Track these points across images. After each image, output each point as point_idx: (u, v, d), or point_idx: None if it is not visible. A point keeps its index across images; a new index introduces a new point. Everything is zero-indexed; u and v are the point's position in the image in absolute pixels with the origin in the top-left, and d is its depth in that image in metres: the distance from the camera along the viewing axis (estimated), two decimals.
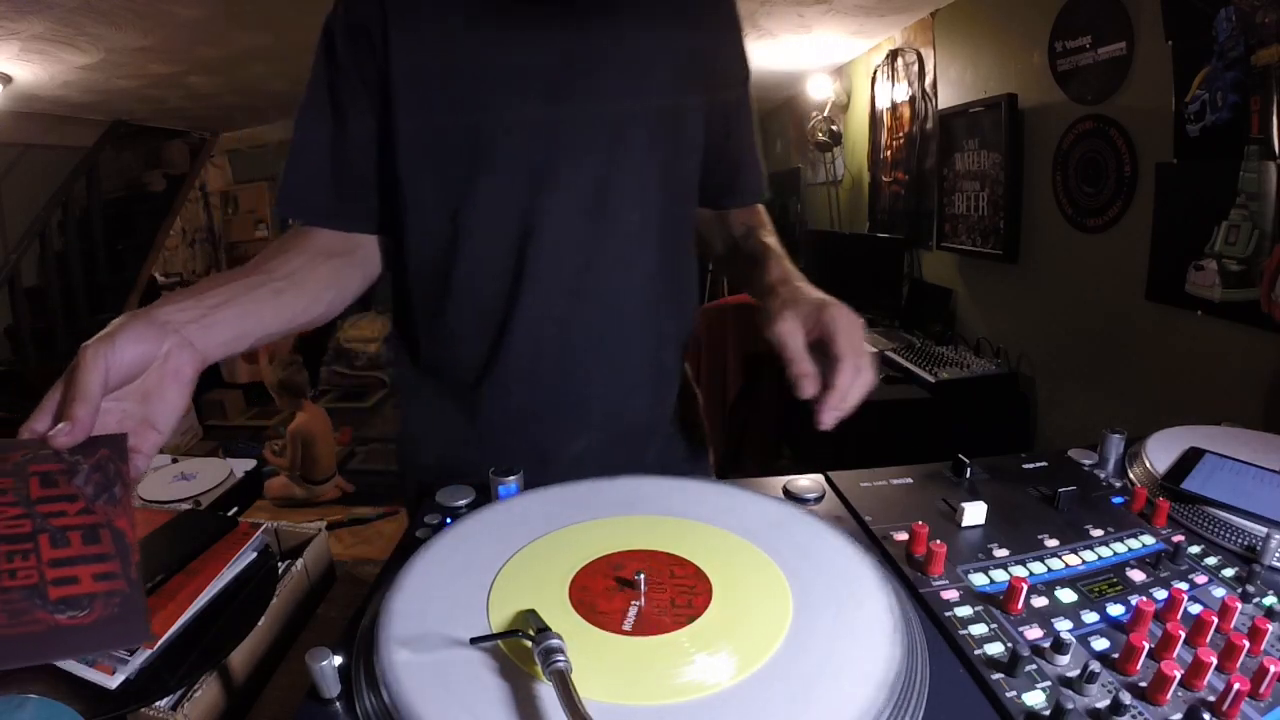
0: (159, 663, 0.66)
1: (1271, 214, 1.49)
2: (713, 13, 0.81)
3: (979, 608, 0.48)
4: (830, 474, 0.68)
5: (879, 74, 3.31)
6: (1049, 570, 0.53)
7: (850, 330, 0.62)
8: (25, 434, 0.46)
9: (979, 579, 0.52)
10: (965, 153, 2.62)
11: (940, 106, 2.80)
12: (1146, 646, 0.42)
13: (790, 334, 0.63)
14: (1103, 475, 0.68)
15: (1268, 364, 1.54)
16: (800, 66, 3.64)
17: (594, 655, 0.41)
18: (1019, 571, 0.52)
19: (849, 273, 3.36)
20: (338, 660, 0.41)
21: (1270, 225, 1.49)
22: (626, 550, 0.52)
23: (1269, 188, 1.48)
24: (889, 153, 3.33)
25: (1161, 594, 0.49)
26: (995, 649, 0.44)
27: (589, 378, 0.78)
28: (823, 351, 0.62)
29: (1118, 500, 0.63)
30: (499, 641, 0.42)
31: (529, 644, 0.39)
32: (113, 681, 0.64)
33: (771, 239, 0.84)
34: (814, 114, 3.85)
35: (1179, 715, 0.39)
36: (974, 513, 0.59)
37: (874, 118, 3.45)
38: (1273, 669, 0.39)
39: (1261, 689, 0.40)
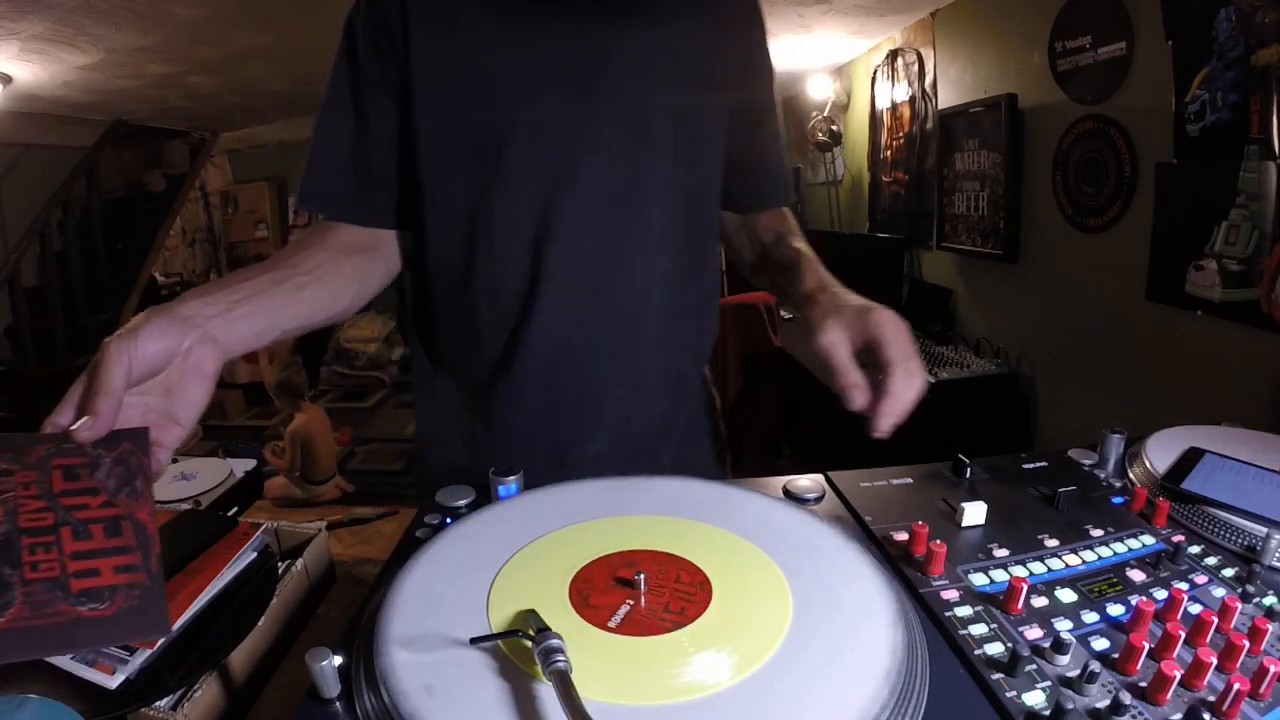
0: (159, 663, 0.66)
1: (1271, 214, 1.49)
2: (735, 12, 0.80)
3: (979, 608, 0.48)
4: (830, 474, 0.68)
5: (879, 74, 3.31)
6: (1049, 570, 0.53)
7: (897, 334, 0.61)
8: (48, 428, 0.46)
9: (979, 579, 0.52)
10: (965, 153, 2.62)
11: (940, 106, 2.80)
12: (1146, 646, 0.42)
13: (835, 345, 0.62)
14: (1103, 475, 0.68)
15: (1268, 364, 1.54)
16: (800, 66, 3.64)
17: (594, 655, 0.41)
18: (1019, 571, 0.52)
19: (849, 273, 3.30)
20: (338, 660, 0.41)
21: (1270, 225, 1.49)
22: (626, 550, 0.52)
23: (1269, 188, 1.48)
24: (889, 153, 3.33)
25: (1161, 594, 0.49)
26: (995, 649, 0.44)
27: (604, 379, 0.78)
28: (869, 356, 0.61)
29: (1118, 500, 0.63)
30: (499, 641, 0.42)
31: (529, 644, 0.39)
32: (113, 681, 0.64)
33: (803, 244, 0.82)
34: (814, 114, 3.85)
35: (1179, 715, 0.39)
36: (974, 513, 0.59)
37: (874, 118, 3.45)
38: (1273, 669, 0.39)
39: (1261, 689, 0.40)
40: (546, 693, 0.38)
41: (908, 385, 0.59)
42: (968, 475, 0.67)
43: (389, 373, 5.25)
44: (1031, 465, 0.70)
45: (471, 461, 0.66)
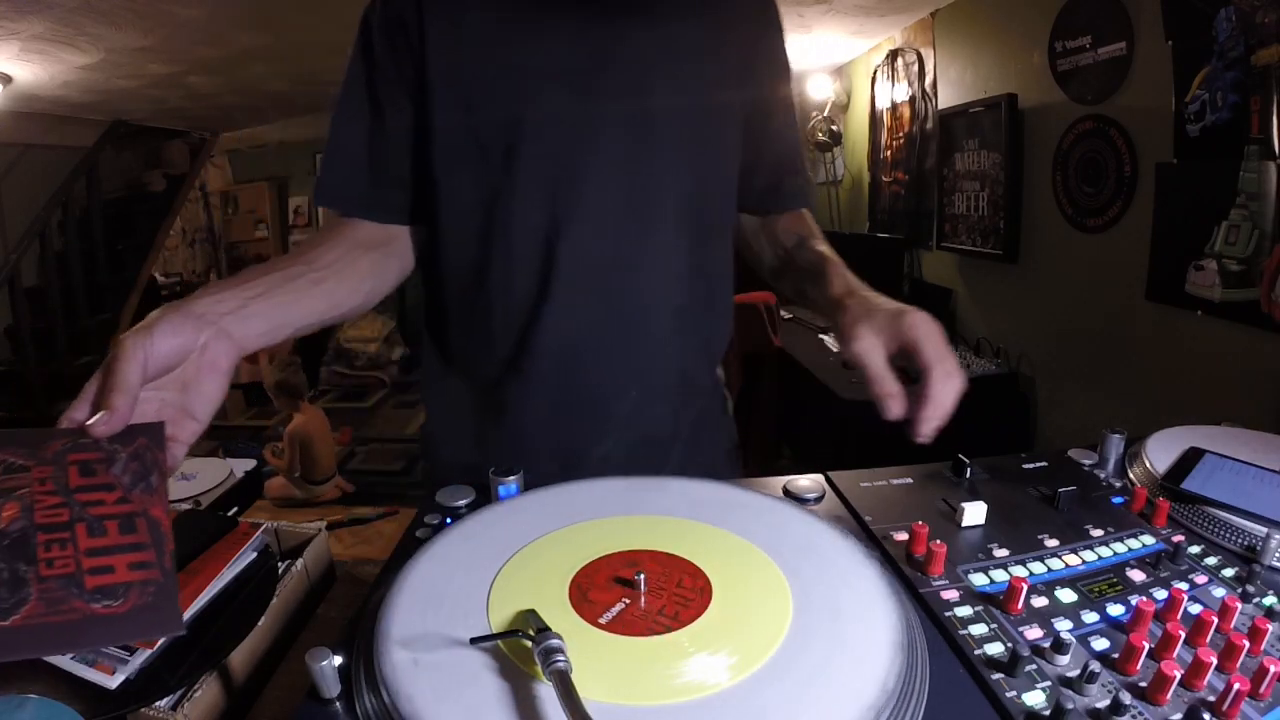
0: (159, 663, 0.66)
1: (1271, 214, 1.49)
2: (751, 11, 0.80)
3: (979, 608, 0.48)
4: (830, 474, 0.68)
5: (879, 74, 3.31)
6: (1049, 570, 0.53)
7: (932, 336, 0.60)
8: (65, 423, 0.46)
9: (979, 579, 0.52)
10: (965, 153, 2.62)
11: (940, 106, 2.80)
12: (1146, 646, 0.42)
13: (869, 351, 0.60)
14: (1103, 475, 0.68)
15: (1268, 364, 1.54)
16: (800, 66, 3.65)
17: (594, 655, 0.41)
18: (1019, 571, 0.52)
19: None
20: (338, 660, 0.41)
21: (1270, 225, 1.49)
22: (627, 550, 0.52)
23: (1269, 188, 1.48)
24: (889, 153, 3.33)
25: (1161, 594, 0.49)
26: (995, 649, 0.44)
27: (614, 379, 0.78)
28: (904, 359, 0.60)
29: (1118, 500, 0.63)
30: (499, 641, 0.42)
31: (529, 644, 0.39)
32: (113, 681, 0.64)
33: (826, 247, 0.80)
34: (814, 114, 3.85)
35: (1179, 715, 0.39)
36: (974, 513, 0.59)
37: (874, 118, 3.45)
38: (1273, 669, 0.39)
39: (1261, 689, 0.40)
40: (546, 692, 0.38)
41: (947, 387, 0.58)
42: (968, 475, 0.67)
43: (389, 373, 5.25)
44: (1031, 465, 0.70)
45: (480, 460, 0.66)
